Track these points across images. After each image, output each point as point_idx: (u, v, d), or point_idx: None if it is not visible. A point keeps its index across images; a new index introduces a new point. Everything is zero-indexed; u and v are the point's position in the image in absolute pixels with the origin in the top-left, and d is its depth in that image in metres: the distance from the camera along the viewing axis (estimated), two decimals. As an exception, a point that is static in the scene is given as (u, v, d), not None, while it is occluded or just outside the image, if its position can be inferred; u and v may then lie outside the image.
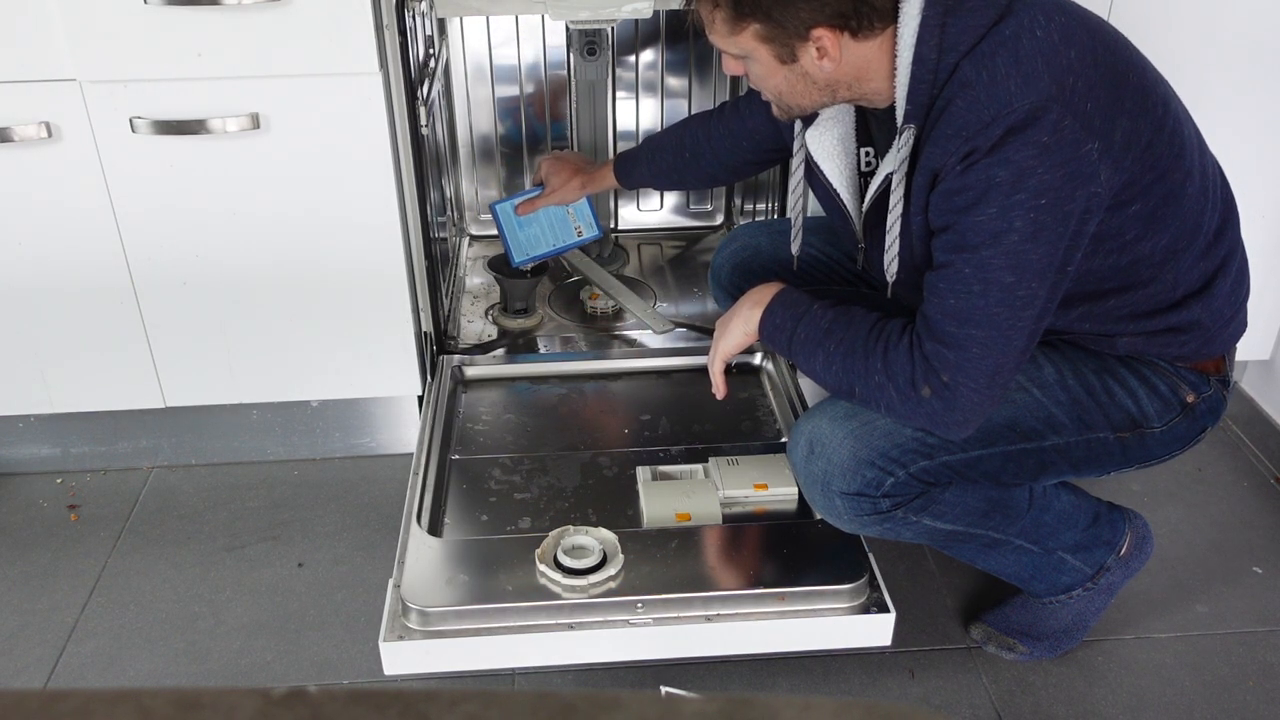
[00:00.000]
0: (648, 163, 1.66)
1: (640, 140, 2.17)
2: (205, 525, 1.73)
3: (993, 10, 1.07)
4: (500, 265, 1.90)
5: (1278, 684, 1.43)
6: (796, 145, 1.31)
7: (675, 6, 1.60)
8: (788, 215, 1.38)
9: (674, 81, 2.12)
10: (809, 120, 1.27)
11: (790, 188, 1.34)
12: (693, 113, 2.01)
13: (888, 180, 1.16)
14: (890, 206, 1.16)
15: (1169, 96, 1.15)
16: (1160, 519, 1.71)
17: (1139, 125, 1.09)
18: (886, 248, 1.19)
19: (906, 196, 1.15)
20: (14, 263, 1.56)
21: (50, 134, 1.46)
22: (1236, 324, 1.27)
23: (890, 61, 1.11)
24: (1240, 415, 1.94)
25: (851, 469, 1.20)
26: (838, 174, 1.26)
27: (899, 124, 1.12)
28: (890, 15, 1.09)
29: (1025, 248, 1.05)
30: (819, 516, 1.33)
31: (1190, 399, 1.25)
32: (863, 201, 1.25)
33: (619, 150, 1.93)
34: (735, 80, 2.12)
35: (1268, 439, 1.88)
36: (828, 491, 1.23)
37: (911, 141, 1.11)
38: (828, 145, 1.26)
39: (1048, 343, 1.25)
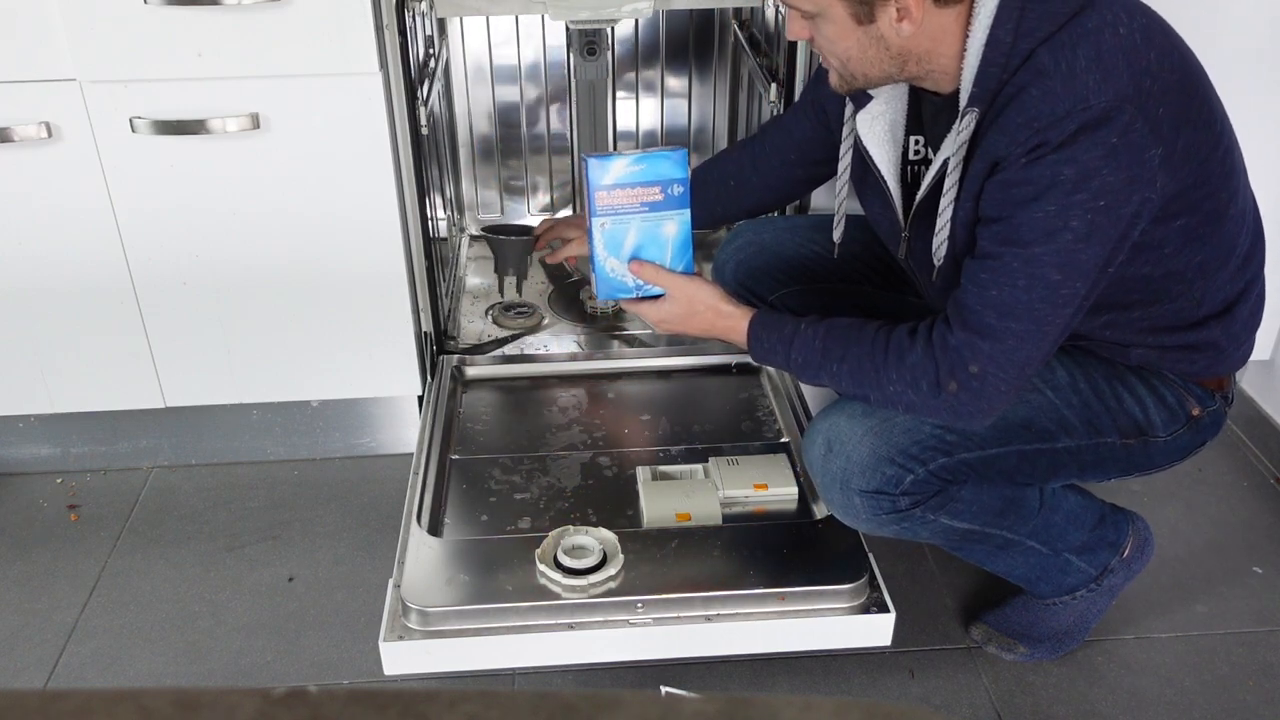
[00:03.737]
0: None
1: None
2: (205, 525, 1.73)
3: (1074, 1, 1.05)
4: (493, 227, 1.86)
5: (1278, 684, 1.43)
6: (846, 130, 1.28)
7: (676, 6, 1.60)
8: (831, 201, 1.36)
9: (674, 81, 2.12)
10: (859, 105, 1.25)
11: (839, 171, 1.31)
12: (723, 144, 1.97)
13: (944, 167, 1.14)
14: (945, 190, 1.14)
15: (1226, 117, 1.15)
16: (1160, 519, 1.71)
17: (1201, 138, 1.09)
18: (936, 231, 1.17)
19: (961, 182, 1.13)
20: (14, 262, 1.56)
21: (50, 134, 1.46)
22: (1245, 349, 1.28)
23: (962, 40, 1.09)
24: (1240, 415, 1.94)
25: (871, 466, 1.20)
26: (886, 161, 1.24)
27: (962, 106, 1.10)
28: None
29: (1077, 248, 1.05)
30: (824, 515, 1.33)
31: (1196, 412, 1.26)
32: (907, 189, 1.23)
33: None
34: (736, 88, 2.12)
35: (1268, 439, 1.88)
36: (846, 490, 1.22)
37: (974, 125, 1.09)
38: (879, 132, 1.23)
39: (1061, 347, 1.25)
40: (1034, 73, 1.04)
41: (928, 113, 1.22)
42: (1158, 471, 1.31)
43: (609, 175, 1.25)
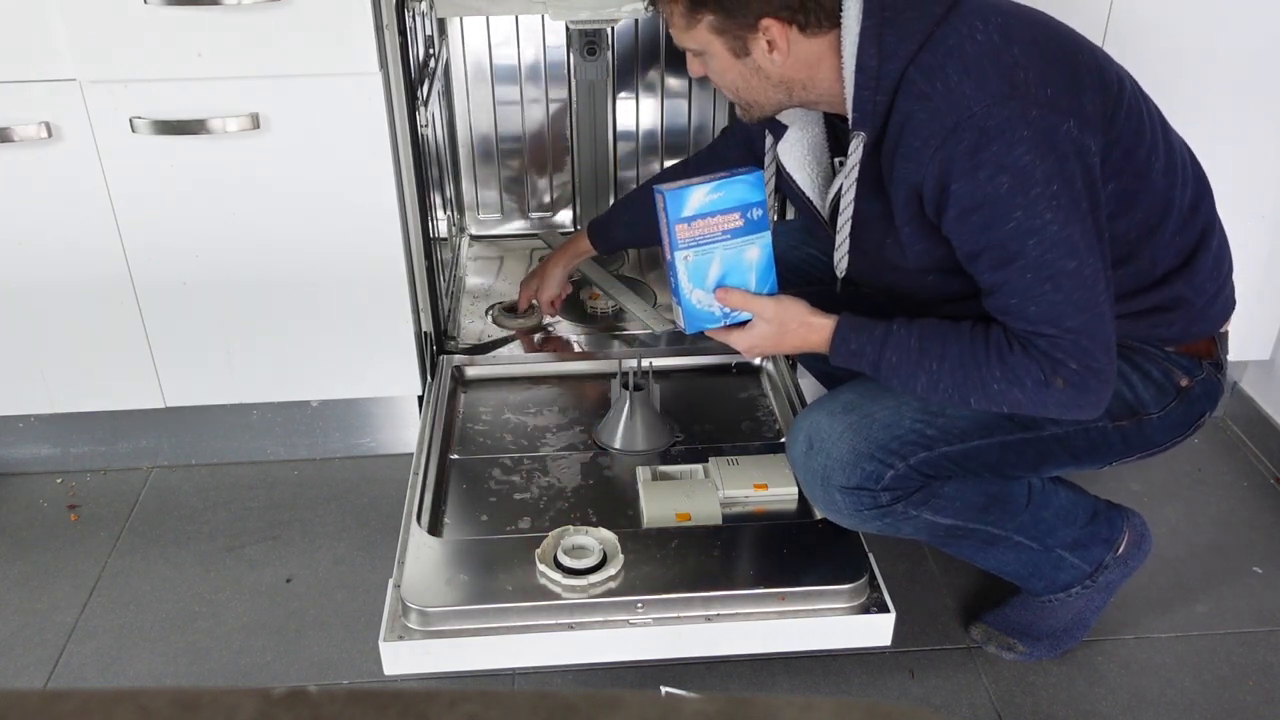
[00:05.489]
0: (625, 224, 1.64)
1: (639, 153, 2.17)
2: (205, 525, 1.73)
3: (928, 19, 1.09)
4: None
5: (1278, 684, 1.43)
6: (768, 159, 1.32)
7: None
8: None
9: (674, 82, 2.12)
10: (779, 135, 1.29)
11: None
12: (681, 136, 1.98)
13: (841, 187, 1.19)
14: (841, 209, 1.19)
15: (1124, 76, 1.17)
16: (1160, 519, 1.71)
17: (1100, 100, 1.11)
18: (836, 246, 1.21)
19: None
20: (14, 263, 1.56)
21: (50, 134, 1.46)
22: (1222, 301, 1.28)
23: (839, 66, 1.14)
24: (1240, 415, 1.94)
25: (851, 463, 1.21)
26: (810, 182, 1.28)
27: (851, 130, 1.15)
28: (836, 18, 1.12)
29: (1066, 232, 1.07)
30: (819, 514, 1.33)
31: (1184, 383, 1.26)
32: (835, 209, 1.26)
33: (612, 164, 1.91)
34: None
35: (1268, 439, 1.88)
36: (827, 486, 1.23)
37: (861, 148, 1.14)
38: (799, 155, 1.28)
39: None
40: (914, 98, 1.08)
41: (842, 136, 1.25)
42: (1161, 451, 1.30)
43: (687, 207, 1.20)
